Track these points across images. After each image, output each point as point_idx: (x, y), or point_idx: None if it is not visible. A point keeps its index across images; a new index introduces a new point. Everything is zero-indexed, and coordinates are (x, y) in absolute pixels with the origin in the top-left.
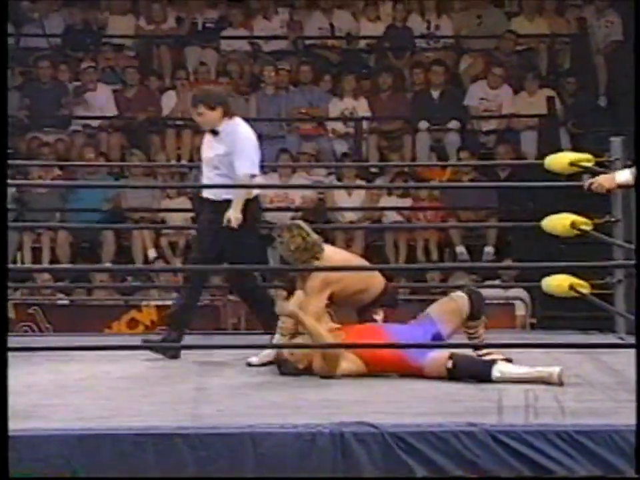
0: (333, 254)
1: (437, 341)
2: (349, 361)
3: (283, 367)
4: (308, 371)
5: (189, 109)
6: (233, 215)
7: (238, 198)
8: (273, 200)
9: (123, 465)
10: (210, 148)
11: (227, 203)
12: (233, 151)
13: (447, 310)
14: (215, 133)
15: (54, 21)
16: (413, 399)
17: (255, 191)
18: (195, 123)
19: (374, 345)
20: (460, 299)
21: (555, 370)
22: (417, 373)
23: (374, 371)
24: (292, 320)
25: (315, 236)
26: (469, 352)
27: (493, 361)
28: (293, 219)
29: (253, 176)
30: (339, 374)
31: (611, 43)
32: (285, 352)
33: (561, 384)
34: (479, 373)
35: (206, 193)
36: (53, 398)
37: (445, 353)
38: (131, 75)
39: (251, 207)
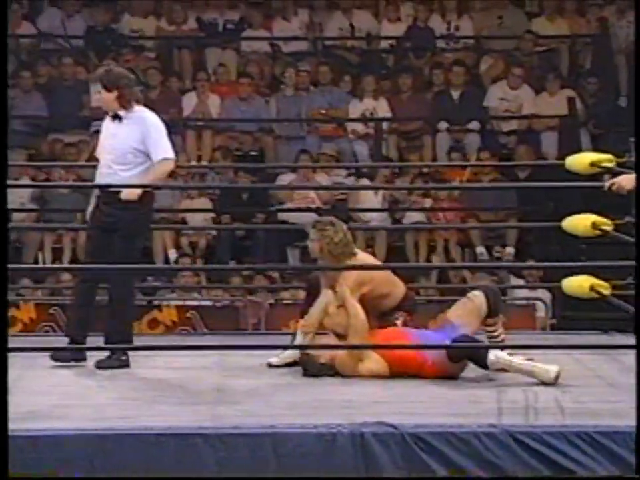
0: (366, 257)
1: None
2: (373, 361)
3: (305, 365)
4: (330, 367)
5: (209, 110)
6: (126, 191)
7: (152, 180)
8: (294, 200)
9: (143, 465)
10: (112, 135)
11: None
12: (143, 138)
13: (466, 311)
14: (117, 117)
15: (76, 22)
16: (432, 399)
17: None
18: (215, 124)
19: (394, 345)
20: (477, 298)
21: (553, 369)
22: (436, 373)
23: (396, 372)
24: (314, 318)
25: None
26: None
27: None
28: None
29: (168, 160)
30: (362, 373)
31: (632, 43)
32: None
33: (554, 383)
34: (476, 354)
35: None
36: (75, 398)
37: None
38: (152, 76)
39: (149, 202)
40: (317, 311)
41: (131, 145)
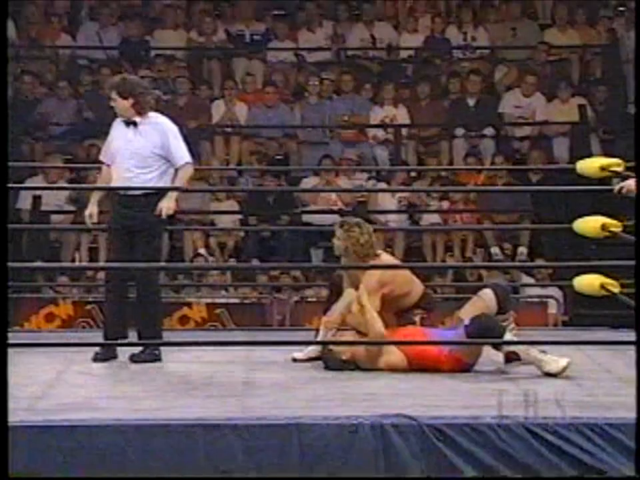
0: (388, 258)
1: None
2: (393, 356)
3: (327, 360)
4: (351, 363)
5: (237, 116)
6: (166, 205)
7: (180, 184)
8: (317, 202)
9: (174, 454)
10: (130, 141)
11: (154, 196)
12: (164, 143)
13: (476, 309)
14: (132, 124)
15: (111, 34)
16: (449, 393)
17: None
18: (242, 130)
19: (410, 342)
20: (486, 296)
21: (563, 360)
22: (451, 366)
23: (415, 366)
24: (337, 315)
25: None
26: None
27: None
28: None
29: (189, 164)
30: (382, 366)
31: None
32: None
33: (560, 374)
34: (493, 332)
35: (131, 190)
36: (110, 391)
37: None
38: (182, 84)
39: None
40: (340, 308)
41: (152, 149)
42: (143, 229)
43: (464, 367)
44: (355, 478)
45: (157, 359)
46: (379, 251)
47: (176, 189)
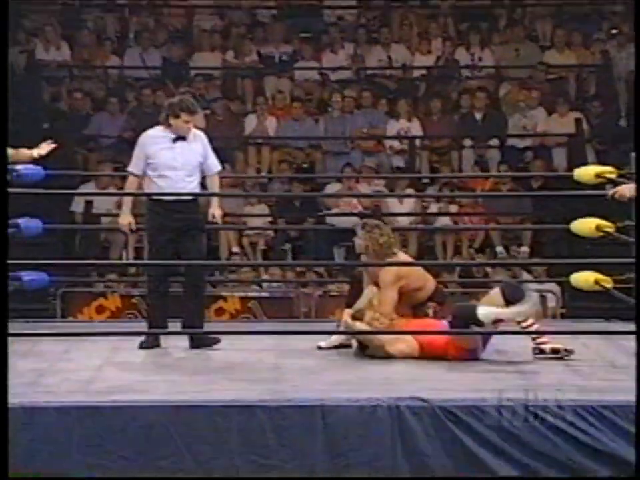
0: (404, 257)
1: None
2: (406, 344)
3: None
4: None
5: (267, 129)
6: (217, 212)
7: (216, 196)
8: (339, 206)
9: (212, 432)
10: (180, 154)
11: (197, 200)
12: (205, 153)
13: (483, 302)
14: (181, 138)
15: (154, 56)
16: (460, 378)
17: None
18: (271, 141)
19: (418, 331)
20: (494, 293)
21: (527, 306)
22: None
23: (427, 354)
24: (360, 309)
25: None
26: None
27: (476, 306)
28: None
29: (219, 170)
30: (396, 354)
31: (631, 72)
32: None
33: (529, 318)
34: (469, 316)
35: (181, 197)
36: (154, 375)
37: None
38: (218, 101)
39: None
40: (363, 303)
41: (199, 160)
42: (190, 230)
43: (469, 355)
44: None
45: (217, 341)
46: (397, 250)
47: (220, 194)
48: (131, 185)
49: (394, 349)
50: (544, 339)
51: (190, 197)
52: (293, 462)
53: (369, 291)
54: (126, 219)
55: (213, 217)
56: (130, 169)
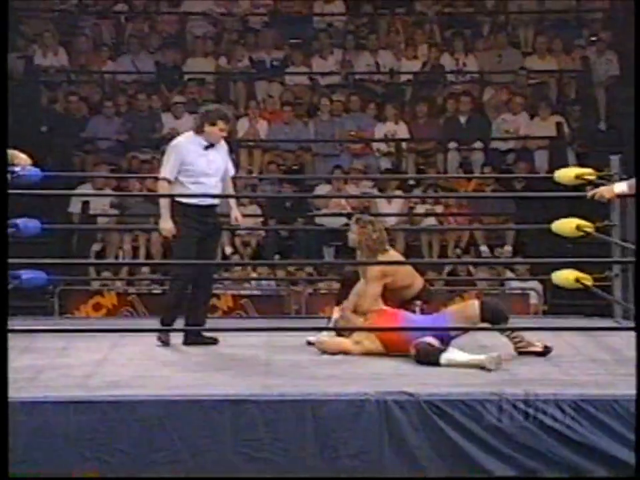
0: (395, 254)
1: (439, 332)
2: (370, 341)
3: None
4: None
5: (259, 132)
6: (239, 215)
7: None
8: (329, 207)
9: (205, 425)
10: (212, 161)
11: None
12: (227, 158)
13: (459, 311)
14: (212, 145)
15: (149, 61)
16: (445, 372)
17: None
18: (263, 144)
19: (376, 328)
20: (471, 306)
21: (488, 357)
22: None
23: (391, 351)
24: (351, 301)
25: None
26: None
27: (443, 350)
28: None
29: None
30: (358, 351)
31: (610, 77)
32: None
33: (492, 369)
34: (431, 359)
35: (211, 201)
36: (149, 370)
37: (429, 339)
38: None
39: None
40: (354, 295)
41: (226, 166)
42: (215, 233)
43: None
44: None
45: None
46: (388, 247)
47: (236, 197)
48: (165, 191)
49: (360, 348)
50: (526, 342)
51: (217, 202)
52: (284, 455)
53: (361, 284)
54: (168, 224)
55: (236, 219)
56: (165, 175)
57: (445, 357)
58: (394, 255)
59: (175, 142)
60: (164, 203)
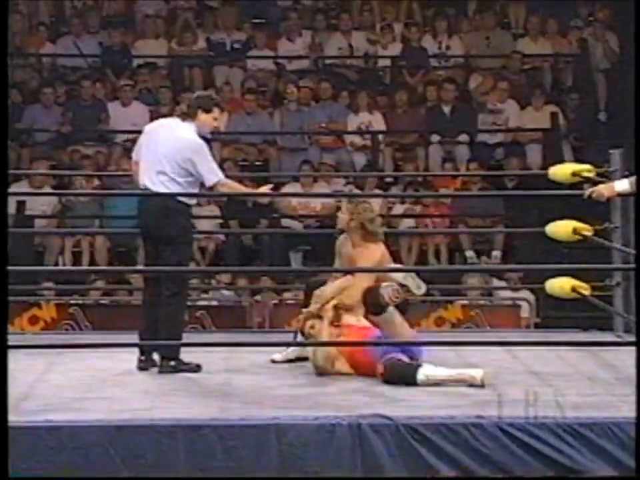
0: (385, 251)
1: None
2: (340, 363)
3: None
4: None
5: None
6: None
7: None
8: (296, 207)
9: (156, 454)
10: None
11: None
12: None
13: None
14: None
15: (93, 43)
16: (424, 393)
17: None
18: (222, 137)
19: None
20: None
21: (479, 372)
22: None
23: (360, 373)
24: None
25: None
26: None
27: (419, 365)
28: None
29: None
30: (333, 372)
31: (611, 62)
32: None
33: (482, 386)
34: (406, 377)
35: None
36: (93, 392)
37: (398, 355)
38: (164, 92)
39: None
40: (337, 290)
41: None
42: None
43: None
44: (338, 478)
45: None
46: (382, 238)
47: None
48: (233, 184)
49: (334, 369)
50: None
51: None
52: None
53: (344, 280)
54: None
55: None
56: (219, 175)
57: (422, 373)
58: (385, 251)
59: (195, 139)
60: (240, 189)
